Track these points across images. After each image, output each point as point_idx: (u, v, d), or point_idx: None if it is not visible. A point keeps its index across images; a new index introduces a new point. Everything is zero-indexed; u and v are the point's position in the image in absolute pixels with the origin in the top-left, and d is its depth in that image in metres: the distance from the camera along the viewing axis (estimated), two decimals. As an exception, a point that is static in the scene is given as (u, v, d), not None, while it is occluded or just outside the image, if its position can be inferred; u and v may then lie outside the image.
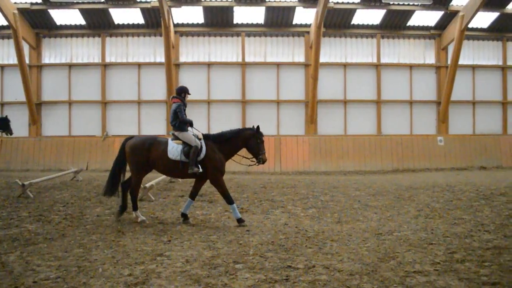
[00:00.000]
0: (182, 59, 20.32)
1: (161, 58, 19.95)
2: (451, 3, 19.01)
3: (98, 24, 19.85)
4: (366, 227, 7.49)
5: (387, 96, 20.88)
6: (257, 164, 7.95)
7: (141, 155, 7.68)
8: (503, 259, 5.37)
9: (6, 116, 16.39)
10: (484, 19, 20.11)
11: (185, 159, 7.56)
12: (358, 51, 20.87)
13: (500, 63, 21.39)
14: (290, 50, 20.67)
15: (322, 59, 19.81)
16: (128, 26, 20.07)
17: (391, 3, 18.63)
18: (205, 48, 20.44)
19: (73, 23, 19.83)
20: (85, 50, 20.30)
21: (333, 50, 20.76)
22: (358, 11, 19.28)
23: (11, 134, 16.35)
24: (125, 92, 20.16)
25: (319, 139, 19.13)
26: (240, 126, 19.98)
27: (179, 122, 7.78)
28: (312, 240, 6.53)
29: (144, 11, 18.96)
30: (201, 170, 7.56)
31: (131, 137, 8.06)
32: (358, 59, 20.85)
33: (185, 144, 7.68)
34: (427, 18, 20.14)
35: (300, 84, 20.58)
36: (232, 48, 20.49)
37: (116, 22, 19.78)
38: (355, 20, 20.06)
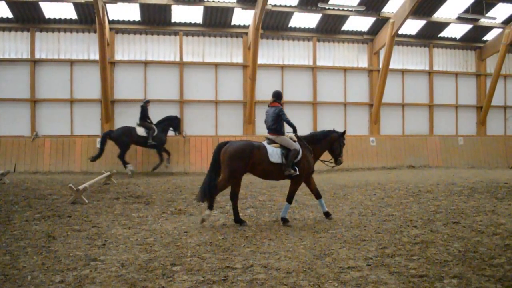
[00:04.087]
0: (118, 57, 19.66)
1: (95, 56, 19.12)
2: (383, 10, 19.89)
3: (27, 18, 18.70)
4: (303, 225, 7.67)
5: (323, 97, 21.43)
6: (336, 165, 8.58)
7: (243, 161, 7.64)
8: (429, 253, 5.69)
9: (176, 116, 17.85)
10: (413, 26, 21.21)
11: (285, 162, 7.77)
12: (295, 53, 21.25)
13: (427, 68, 22.66)
14: (228, 51, 20.65)
15: (260, 61, 19.97)
16: (60, 21, 19.05)
17: (327, 7, 19.15)
18: (142, 46, 19.90)
19: (-1, 16, 18.64)
20: (13, 45, 19.04)
21: (271, 52, 21.00)
22: (295, 14, 19.64)
23: (180, 133, 18.00)
24: (57, 90, 19.14)
25: (257, 140, 19.20)
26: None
27: (279, 125, 8.06)
28: (250, 239, 6.59)
29: (78, 6, 18.11)
30: (297, 172, 7.78)
31: (225, 143, 7.93)
32: (295, 61, 21.22)
33: (283, 147, 7.89)
34: (360, 23, 20.93)
35: (238, 84, 20.62)
36: (170, 47, 20.12)
37: (47, 17, 18.72)
38: (292, 23, 20.42)
